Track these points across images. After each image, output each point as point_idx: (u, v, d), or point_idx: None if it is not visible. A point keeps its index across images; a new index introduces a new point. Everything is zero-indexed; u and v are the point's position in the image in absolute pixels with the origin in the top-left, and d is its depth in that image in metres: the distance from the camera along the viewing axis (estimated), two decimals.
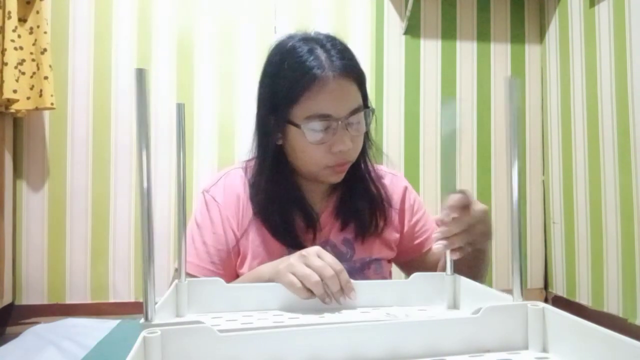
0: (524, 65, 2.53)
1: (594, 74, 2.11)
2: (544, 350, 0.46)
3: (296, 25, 2.25)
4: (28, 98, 1.99)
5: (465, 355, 0.45)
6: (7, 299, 2.04)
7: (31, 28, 2.01)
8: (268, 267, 0.72)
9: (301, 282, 0.62)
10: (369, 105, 0.83)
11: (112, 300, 2.20)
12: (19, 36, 1.95)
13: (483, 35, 2.50)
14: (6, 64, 1.89)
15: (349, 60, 0.78)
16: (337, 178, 0.82)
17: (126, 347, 0.38)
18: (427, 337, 0.45)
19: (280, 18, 2.33)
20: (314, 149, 0.77)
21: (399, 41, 2.43)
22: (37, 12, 2.00)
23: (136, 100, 0.43)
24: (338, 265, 0.63)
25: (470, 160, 2.48)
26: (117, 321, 0.85)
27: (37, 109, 2.01)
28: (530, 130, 2.52)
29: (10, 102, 1.94)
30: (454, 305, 0.65)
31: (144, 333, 0.40)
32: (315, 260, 0.64)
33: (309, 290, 0.62)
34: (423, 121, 2.44)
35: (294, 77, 0.76)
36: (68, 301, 2.17)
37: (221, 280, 0.65)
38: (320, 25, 2.29)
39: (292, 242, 0.82)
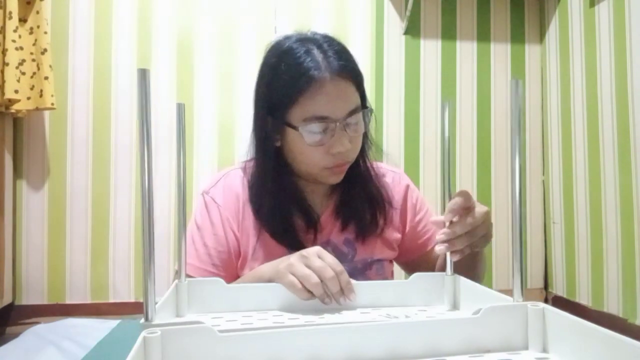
0: (524, 65, 2.53)
1: (594, 74, 2.11)
2: (544, 350, 0.46)
3: (296, 25, 2.25)
4: (28, 98, 1.99)
5: (465, 355, 0.45)
6: (7, 299, 2.04)
7: (31, 28, 2.01)
8: (268, 267, 0.71)
9: (301, 282, 0.62)
10: (368, 105, 0.82)
11: (112, 300, 2.20)
12: (20, 36, 1.95)
13: (483, 35, 2.49)
14: (7, 64, 1.89)
15: (346, 60, 0.77)
16: (337, 179, 0.82)
17: (126, 347, 0.38)
18: (427, 337, 0.45)
19: (280, 18, 2.33)
20: (312, 150, 0.77)
21: (399, 41, 2.43)
22: (37, 12, 2.00)
23: (138, 100, 0.43)
24: (338, 266, 0.63)
25: (470, 160, 2.48)
26: (117, 321, 0.85)
27: (37, 109, 2.01)
28: (530, 131, 2.52)
29: (11, 102, 1.94)
30: (454, 306, 0.65)
31: (144, 333, 0.40)
32: (316, 260, 0.63)
33: (309, 291, 0.62)
34: (423, 121, 2.44)
35: (290, 79, 0.75)
36: (68, 301, 2.17)
37: (221, 281, 0.64)
38: (320, 25, 2.30)
39: (293, 243, 0.81)
